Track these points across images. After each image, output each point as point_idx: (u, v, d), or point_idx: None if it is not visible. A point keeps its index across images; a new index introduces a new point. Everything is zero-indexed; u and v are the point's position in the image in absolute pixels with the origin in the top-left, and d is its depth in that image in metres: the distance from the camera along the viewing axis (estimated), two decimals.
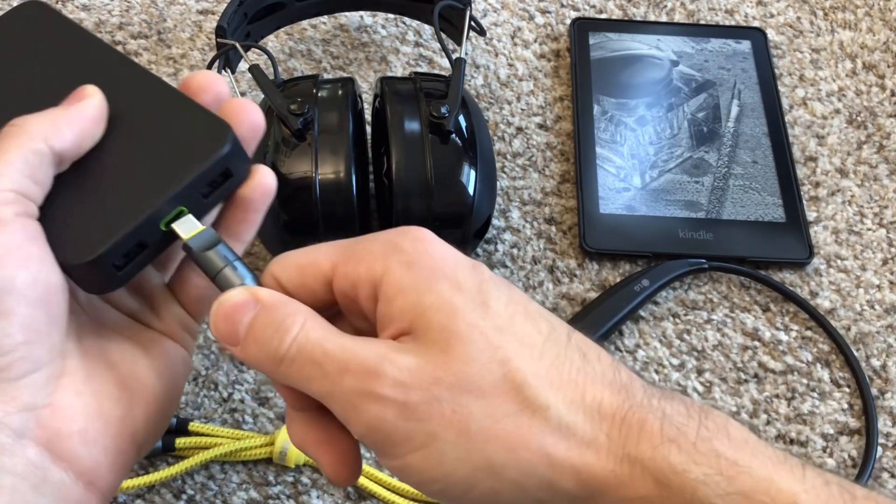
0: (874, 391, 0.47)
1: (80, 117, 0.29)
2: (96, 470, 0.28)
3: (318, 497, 0.44)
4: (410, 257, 0.27)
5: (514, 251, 0.51)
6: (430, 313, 0.26)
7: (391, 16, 0.61)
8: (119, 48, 0.54)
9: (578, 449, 0.25)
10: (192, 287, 0.33)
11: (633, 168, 0.54)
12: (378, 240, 0.28)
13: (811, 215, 0.54)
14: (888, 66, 0.61)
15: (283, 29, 0.58)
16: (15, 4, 0.35)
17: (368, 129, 0.52)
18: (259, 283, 0.29)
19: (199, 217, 0.29)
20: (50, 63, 0.33)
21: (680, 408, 0.27)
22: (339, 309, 0.29)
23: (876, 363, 0.48)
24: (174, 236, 0.29)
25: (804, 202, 0.54)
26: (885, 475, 0.45)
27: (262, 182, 0.31)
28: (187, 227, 0.29)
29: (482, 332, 0.26)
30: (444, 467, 0.25)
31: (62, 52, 0.33)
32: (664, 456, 0.25)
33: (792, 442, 0.46)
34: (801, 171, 0.56)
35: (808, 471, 0.26)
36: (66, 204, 0.29)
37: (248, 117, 0.31)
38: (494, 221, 0.52)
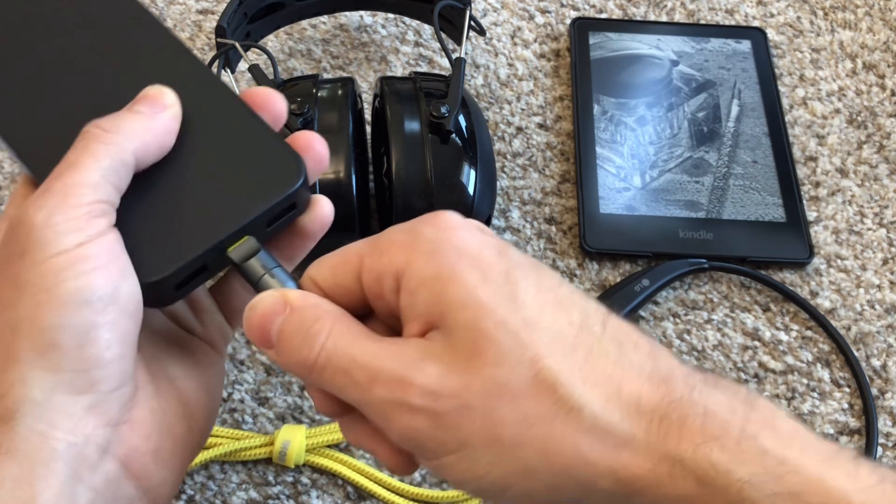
0: (874, 391, 0.47)
1: (162, 130, 0.29)
2: (162, 488, 0.28)
3: (317, 497, 0.44)
4: (433, 246, 0.26)
5: None
6: (455, 310, 0.25)
7: (391, 15, 0.61)
8: None
9: (615, 450, 0.24)
10: (234, 296, 0.33)
11: (634, 168, 0.54)
12: (401, 230, 0.27)
13: (811, 215, 0.54)
14: (888, 66, 0.61)
15: (282, 29, 0.58)
16: None
17: (368, 128, 0.52)
18: (299, 286, 0.28)
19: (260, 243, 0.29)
20: (109, 40, 0.32)
21: (722, 399, 0.25)
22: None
23: (876, 363, 0.48)
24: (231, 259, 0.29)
25: (804, 202, 0.54)
26: None
27: (322, 214, 0.31)
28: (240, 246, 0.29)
29: (510, 329, 0.25)
30: (477, 471, 0.25)
31: (123, 33, 0.32)
32: (706, 455, 0.24)
33: None
34: (802, 171, 0.56)
35: (861, 467, 0.25)
36: (134, 216, 0.29)
37: (316, 152, 0.30)
38: (494, 221, 0.52)
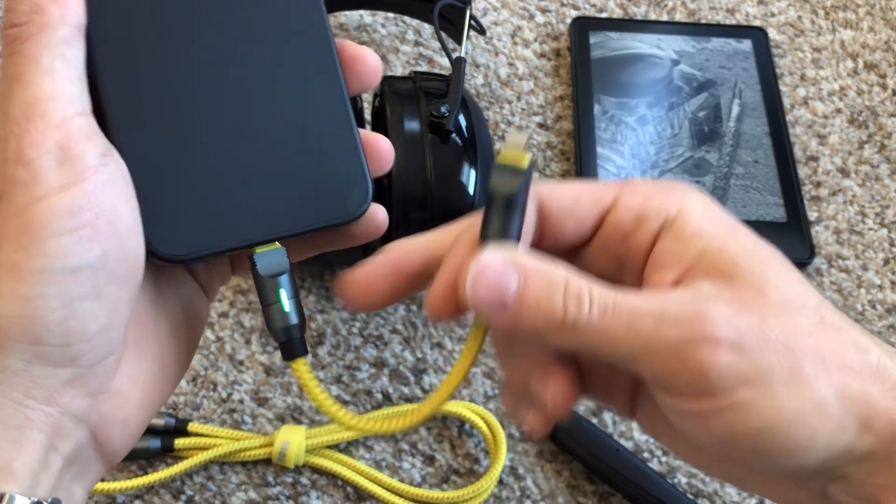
0: None
1: None
2: (120, 452, 0.28)
3: (317, 497, 0.44)
4: (704, 206, 0.26)
5: None
6: (739, 258, 0.25)
7: (391, 15, 0.61)
8: None
9: (893, 391, 0.25)
10: None
11: (634, 168, 0.54)
12: (664, 183, 0.27)
13: (812, 215, 0.54)
14: (889, 66, 0.61)
15: None
16: None
17: (368, 128, 0.52)
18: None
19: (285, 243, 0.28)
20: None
21: None
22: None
23: None
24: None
25: (805, 202, 0.54)
26: None
27: (375, 226, 0.30)
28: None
29: (790, 282, 0.26)
30: (774, 399, 0.24)
31: None
32: None
33: None
34: (803, 171, 0.55)
35: None
36: (173, 166, 0.27)
37: (384, 155, 0.30)
38: None
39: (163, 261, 0.27)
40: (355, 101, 0.46)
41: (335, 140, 0.28)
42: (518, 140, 0.25)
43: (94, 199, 0.24)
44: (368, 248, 0.51)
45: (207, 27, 0.28)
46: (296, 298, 0.28)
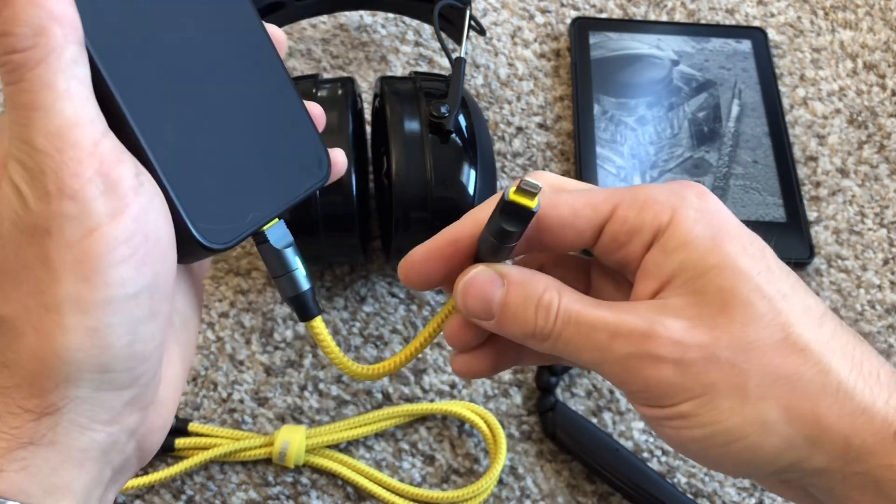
0: None
1: None
2: (153, 453, 0.29)
3: (317, 497, 0.44)
4: (697, 213, 0.27)
5: None
6: (711, 275, 0.26)
7: (391, 15, 0.61)
8: None
9: (851, 416, 0.25)
10: None
11: (634, 168, 0.54)
12: (662, 189, 0.28)
13: (812, 215, 0.54)
14: (889, 66, 0.61)
15: (283, 28, 0.58)
16: None
17: (368, 128, 0.52)
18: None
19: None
20: None
21: None
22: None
23: None
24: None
25: (805, 202, 0.54)
26: None
27: (337, 169, 0.32)
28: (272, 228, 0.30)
29: (765, 296, 0.26)
30: (715, 415, 0.26)
31: None
32: None
33: None
34: (802, 171, 0.56)
35: None
36: (195, 172, 0.28)
37: (318, 120, 0.32)
38: None
39: (212, 251, 0.28)
40: (355, 102, 0.47)
41: (294, 117, 0.31)
42: (534, 185, 0.26)
43: (141, 223, 0.24)
44: (368, 248, 0.51)
45: (174, 30, 0.29)
46: (305, 266, 0.31)
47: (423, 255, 0.30)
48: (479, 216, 0.29)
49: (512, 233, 0.27)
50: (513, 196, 0.26)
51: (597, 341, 0.26)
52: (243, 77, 0.30)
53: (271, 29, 0.31)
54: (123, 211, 0.24)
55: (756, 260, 0.27)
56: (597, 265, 0.31)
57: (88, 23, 0.25)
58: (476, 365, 0.31)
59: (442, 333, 0.31)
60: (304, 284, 0.31)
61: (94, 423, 0.25)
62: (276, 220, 0.30)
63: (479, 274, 0.28)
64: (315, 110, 0.32)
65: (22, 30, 0.23)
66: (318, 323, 0.32)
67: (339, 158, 0.32)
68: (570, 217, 0.28)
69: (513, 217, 0.26)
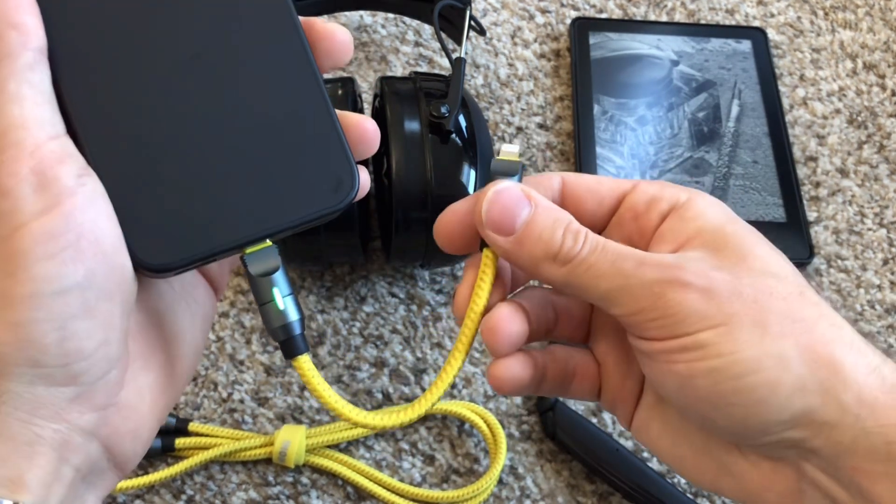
0: None
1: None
2: (132, 461, 0.28)
3: (317, 497, 0.44)
4: (712, 201, 0.29)
5: None
6: (729, 236, 0.28)
7: (391, 15, 0.61)
8: None
9: (866, 369, 0.26)
10: None
11: (634, 168, 0.54)
12: (677, 185, 0.30)
13: (812, 215, 0.54)
14: (889, 66, 0.61)
15: None
16: None
17: None
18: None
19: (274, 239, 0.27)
20: None
21: None
22: None
23: None
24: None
25: (805, 202, 0.54)
26: None
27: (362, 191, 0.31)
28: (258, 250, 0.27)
29: (779, 261, 0.28)
30: (734, 345, 0.26)
31: None
32: None
33: None
34: (802, 171, 0.56)
35: None
36: (151, 178, 0.26)
37: (368, 137, 0.30)
38: None
39: (151, 272, 0.26)
40: (355, 102, 0.47)
41: (314, 128, 0.28)
42: (511, 150, 0.29)
43: (73, 221, 0.24)
44: (368, 248, 0.51)
45: (168, 31, 0.27)
46: (292, 295, 0.28)
47: (457, 212, 0.30)
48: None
49: (518, 164, 0.29)
50: (498, 158, 0.29)
51: (622, 268, 0.27)
52: (247, 80, 0.27)
53: (332, 27, 0.29)
54: (54, 208, 0.24)
55: (767, 245, 0.28)
56: (598, 313, 0.32)
57: (61, 30, 0.26)
58: (518, 370, 0.30)
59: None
60: (287, 317, 0.27)
61: (36, 417, 0.25)
62: (267, 243, 0.27)
63: (511, 187, 0.28)
64: (365, 125, 0.29)
65: None
66: (302, 363, 0.28)
67: (364, 179, 0.30)
68: (595, 184, 0.30)
69: (505, 166, 0.29)
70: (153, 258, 0.26)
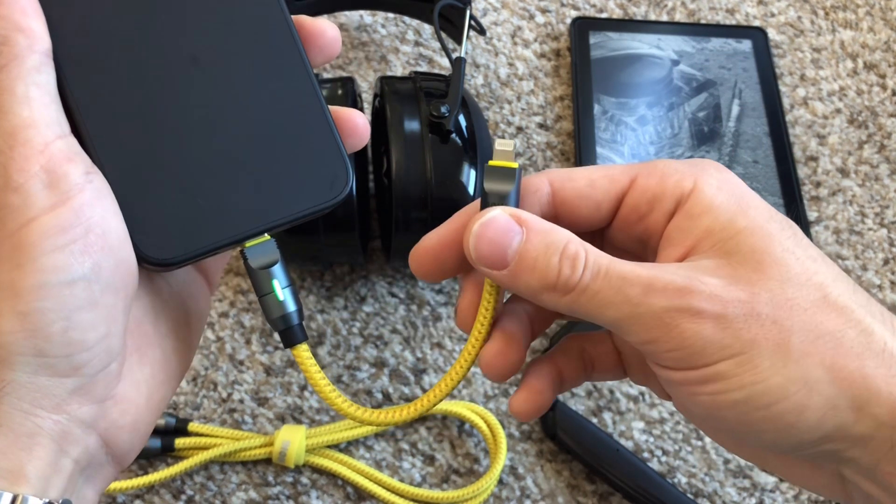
0: None
1: None
2: (130, 454, 0.29)
3: (317, 497, 0.44)
4: (719, 181, 0.27)
5: None
6: (742, 235, 0.26)
7: (391, 15, 0.61)
8: None
9: None
10: None
11: None
12: (680, 162, 0.28)
13: (812, 215, 0.54)
14: (889, 66, 0.61)
15: None
16: None
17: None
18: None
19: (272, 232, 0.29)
20: None
21: None
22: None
23: None
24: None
25: (805, 202, 0.54)
26: None
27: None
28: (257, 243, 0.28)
29: (798, 258, 0.25)
30: (756, 374, 0.24)
31: None
32: None
33: None
34: (802, 171, 0.55)
35: None
36: (154, 181, 0.27)
37: (359, 130, 0.30)
38: None
39: (155, 266, 0.27)
40: (355, 102, 0.47)
41: (307, 123, 0.29)
42: (505, 147, 0.27)
43: (82, 215, 0.25)
44: (368, 248, 0.51)
45: (166, 33, 0.28)
46: (290, 287, 0.29)
47: (436, 241, 0.29)
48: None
49: (507, 192, 0.27)
50: (493, 163, 0.27)
51: (629, 295, 0.25)
52: (243, 78, 0.29)
53: (321, 24, 0.29)
54: (64, 203, 0.25)
55: (783, 226, 0.26)
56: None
57: (65, 33, 0.27)
58: (536, 398, 0.29)
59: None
60: (287, 307, 0.29)
61: (37, 408, 0.25)
62: (265, 236, 0.28)
63: (496, 217, 0.26)
64: (355, 119, 0.30)
65: None
66: (301, 352, 0.29)
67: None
68: (587, 188, 0.28)
69: (499, 177, 0.27)
70: (157, 253, 0.27)
